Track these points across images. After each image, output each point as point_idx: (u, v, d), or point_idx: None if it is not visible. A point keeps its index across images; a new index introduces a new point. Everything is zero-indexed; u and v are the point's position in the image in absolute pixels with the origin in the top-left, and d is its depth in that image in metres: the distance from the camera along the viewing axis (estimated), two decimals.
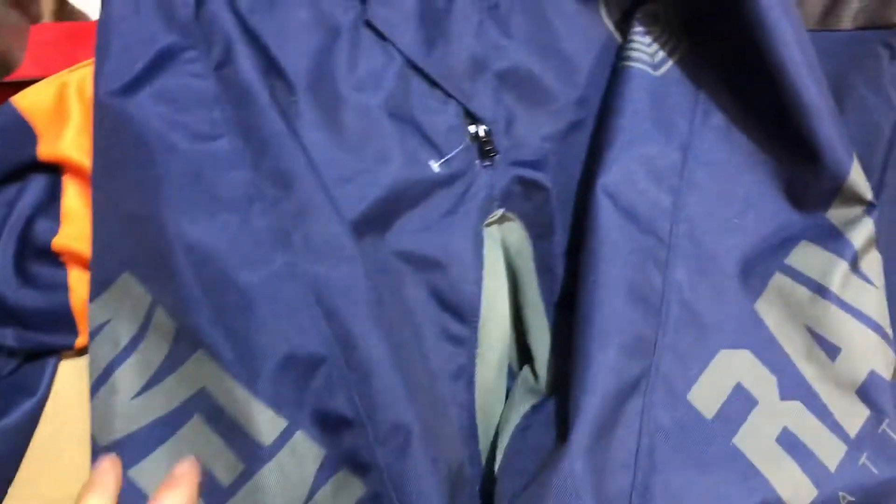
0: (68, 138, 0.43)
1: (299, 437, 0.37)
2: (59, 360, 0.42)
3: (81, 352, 0.42)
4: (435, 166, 0.42)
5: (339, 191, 0.40)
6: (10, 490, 0.39)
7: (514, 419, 0.40)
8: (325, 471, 0.37)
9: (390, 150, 0.42)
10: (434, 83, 0.44)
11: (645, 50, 0.43)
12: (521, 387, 0.42)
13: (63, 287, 0.41)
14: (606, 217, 0.39)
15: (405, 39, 0.43)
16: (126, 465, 0.37)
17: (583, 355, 0.37)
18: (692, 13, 0.43)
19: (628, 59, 0.43)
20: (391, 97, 0.43)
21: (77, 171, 0.43)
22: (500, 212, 0.43)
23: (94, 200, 0.41)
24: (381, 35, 0.43)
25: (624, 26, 0.45)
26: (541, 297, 0.43)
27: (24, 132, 0.43)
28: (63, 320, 0.41)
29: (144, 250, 0.39)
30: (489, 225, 0.43)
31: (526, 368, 0.43)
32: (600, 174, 0.40)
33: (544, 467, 0.36)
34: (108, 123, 0.41)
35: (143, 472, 0.38)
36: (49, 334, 0.41)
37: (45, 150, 0.43)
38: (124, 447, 0.38)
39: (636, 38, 0.43)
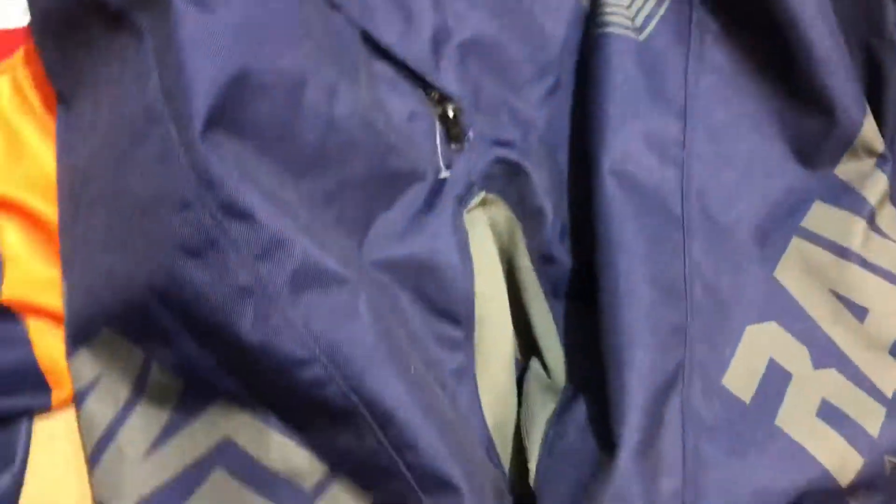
0: None
1: (343, 481, 0.35)
2: (33, 420, 0.38)
3: (56, 409, 0.38)
4: (445, 173, 0.38)
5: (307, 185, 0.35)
6: None
7: (539, 428, 0.38)
8: None
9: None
10: (393, 60, 0.39)
11: (623, 13, 0.40)
12: (534, 384, 0.40)
13: (23, 341, 0.36)
14: (616, 201, 0.37)
15: (358, 11, 0.38)
16: None
17: (617, 358, 0.35)
18: None
19: (605, 24, 0.40)
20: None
21: (12, 208, 0.37)
22: (481, 195, 0.40)
23: (63, 247, 0.37)
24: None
25: None
26: (540, 286, 0.41)
27: None
28: (30, 377, 0.36)
29: (122, 305, 0.35)
30: (471, 210, 0.40)
31: (535, 362, 0.41)
32: (602, 155, 0.37)
33: (593, 480, 0.35)
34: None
35: None
36: (17, 396, 0.36)
37: None
38: None
39: (611, 0, 0.40)
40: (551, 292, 0.41)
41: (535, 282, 0.41)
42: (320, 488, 0.35)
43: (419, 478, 0.34)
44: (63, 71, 0.38)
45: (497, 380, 0.40)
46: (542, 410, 0.39)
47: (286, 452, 0.35)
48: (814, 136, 0.39)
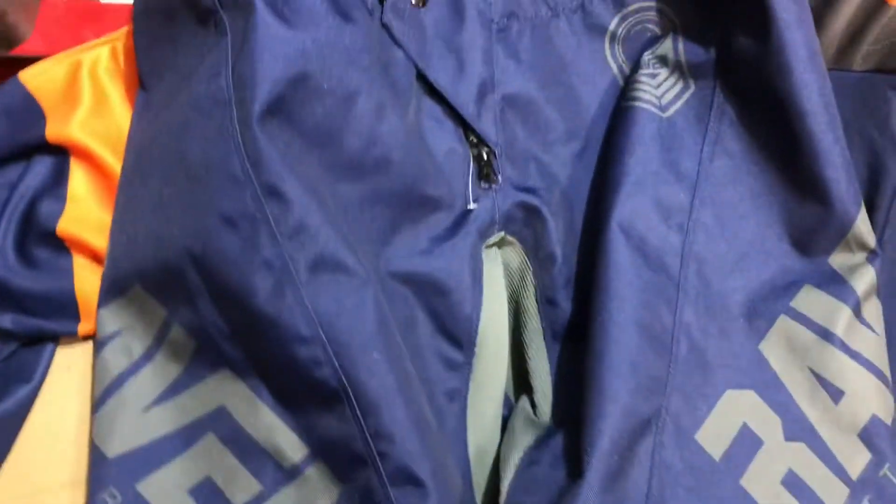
0: (78, 121, 0.42)
1: (319, 466, 0.37)
2: (56, 345, 0.41)
3: (82, 338, 0.41)
4: (472, 205, 0.42)
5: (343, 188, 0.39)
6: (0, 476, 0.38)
7: (517, 454, 0.40)
8: None
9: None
10: (441, 100, 0.43)
11: (652, 91, 0.43)
12: (520, 418, 0.42)
13: (67, 272, 0.41)
14: (619, 253, 0.39)
15: (417, 52, 0.42)
16: (133, 479, 0.37)
17: (596, 394, 0.37)
18: (709, 58, 0.43)
19: (635, 98, 0.43)
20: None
21: (85, 156, 0.42)
22: (500, 234, 0.43)
23: (118, 204, 0.41)
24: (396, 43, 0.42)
25: (627, 69, 0.45)
26: (541, 326, 0.43)
27: (31, 111, 0.42)
28: (66, 306, 0.40)
29: (158, 265, 0.39)
30: (489, 247, 0.43)
31: (524, 399, 0.42)
32: (613, 211, 0.40)
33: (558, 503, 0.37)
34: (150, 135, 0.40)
35: (150, 486, 0.37)
36: (50, 320, 0.40)
37: (53, 131, 0.42)
38: (132, 460, 0.38)
39: (643, 79, 0.43)
40: (550, 335, 0.43)
41: (537, 323, 0.43)
42: (297, 470, 0.37)
43: (390, 469, 0.36)
44: (148, 56, 0.43)
45: (485, 408, 0.42)
46: (523, 439, 0.40)
47: (273, 429, 0.37)
48: (810, 224, 0.41)
